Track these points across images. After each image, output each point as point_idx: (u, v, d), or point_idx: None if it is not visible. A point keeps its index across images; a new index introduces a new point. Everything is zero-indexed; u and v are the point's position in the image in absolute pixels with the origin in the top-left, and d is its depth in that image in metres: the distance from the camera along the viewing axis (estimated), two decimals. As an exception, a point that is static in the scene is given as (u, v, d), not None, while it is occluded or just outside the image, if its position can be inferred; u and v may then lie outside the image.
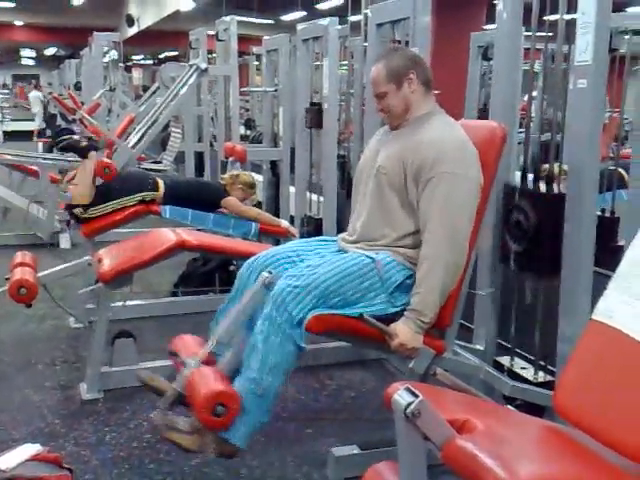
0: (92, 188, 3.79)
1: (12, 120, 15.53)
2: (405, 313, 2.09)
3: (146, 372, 2.25)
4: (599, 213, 3.33)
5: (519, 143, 2.84)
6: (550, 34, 2.48)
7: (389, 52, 2.34)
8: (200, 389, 1.96)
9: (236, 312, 2.13)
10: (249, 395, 1.99)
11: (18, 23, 22.07)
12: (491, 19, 2.51)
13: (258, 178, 5.23)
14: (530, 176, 2.46)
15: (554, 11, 2.32)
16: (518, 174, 2.53)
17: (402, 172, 2.14)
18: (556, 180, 2.34)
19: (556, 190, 2.35)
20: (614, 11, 2.16)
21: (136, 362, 2.94)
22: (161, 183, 3.94)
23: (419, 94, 2.22)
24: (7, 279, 2.75)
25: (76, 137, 5.66)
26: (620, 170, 3.67)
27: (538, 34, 2.45)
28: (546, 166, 2.43)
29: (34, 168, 5.81)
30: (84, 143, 4.31)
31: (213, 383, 1.97)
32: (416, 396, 1.37)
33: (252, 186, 4.07)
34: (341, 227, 3.59)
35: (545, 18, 2.42)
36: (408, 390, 1.40)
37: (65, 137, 5.49)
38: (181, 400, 2.07)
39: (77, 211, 3.74)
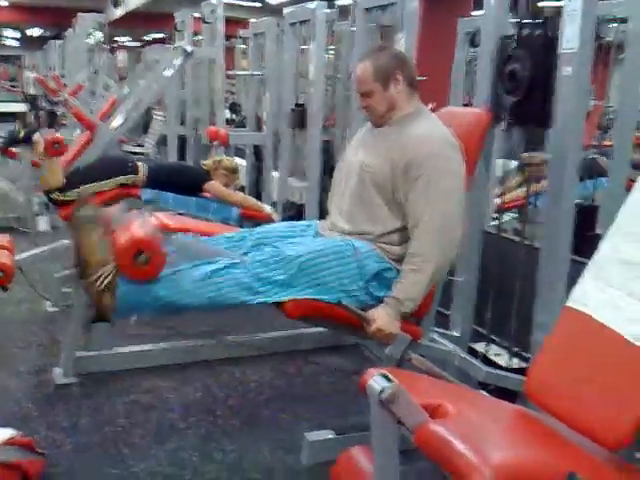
0: (57, 169, 3.74)
1: (-5, 101, 15.34)
2: (385, 299, 2.09)
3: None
4: (579, 201, 3.33)
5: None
6: (538, 21, 2.46)
7: (376, 50, 2.30)
8: (127, 233, 1.96)
9: (206, 247, 2.18)
10: (171, 282, 2.00)
11: (3, 3, 21.76)
12: (479, 5, 2.50)
13: (241, 162, 5.19)
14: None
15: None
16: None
17: (389, 170, 2.13)
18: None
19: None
20: (601, -1, 2.15)
21: (111, 347, 2.91)
22: (141, 166, 3.89)
23: (404, 94, 2.21)
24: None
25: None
26: (603, 158, 3.67)
27: (525, 21, 2.43)
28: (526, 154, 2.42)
29: (15, 150, 5.72)
30: (21, 133, 4.25)
31: (137, 231, 1.96)
32: (391, 381, 1.36)
33: (235, 171, 4.03)
34: (323, 213, 3.56)
35: (533, 4, 2.40)
36: (383, 376, 1.39)
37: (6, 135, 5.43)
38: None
39: (54, 195, 3.69)
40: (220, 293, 2.03)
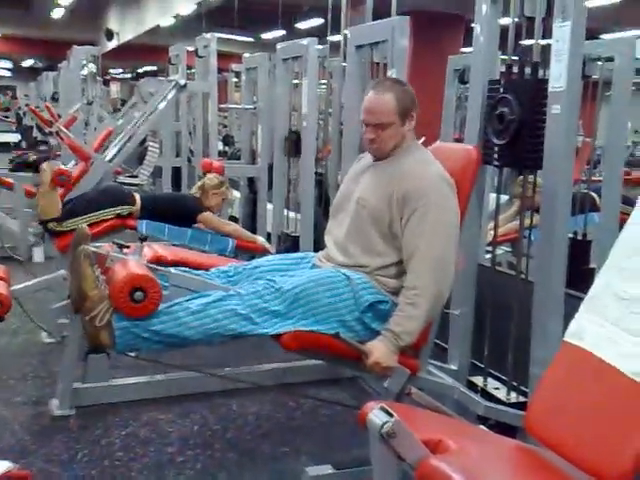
0: (56, 198, 3.77)
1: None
2: (382, 332, 2.11)
3: (88, 231, 2.25)
4: (571, 236, 3.39)
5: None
6: (526, 48, 2.53)
7: (395, 83, 2.29)
8: (122, 271, 1.97)
9: (200, 279, 2.21)
10: (167, 316, 2.01)
11: (-4, 34, 21.90)
12: (468, 42, 2.56)
13: (236, 194, 5.23)
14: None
15: (530, 36, 2.37)
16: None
17: (386, 204, 2.16)
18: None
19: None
20: (588, 38, 2.22)
21: (109, 379, 2.91)
22: (137, 197, 3.93)
23: (411, 131, 2.26)
24: (-21, 293, 2.70)
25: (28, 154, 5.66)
26: (592, 193, 3.74)
27: (514, 58, 2.50)
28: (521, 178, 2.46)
29: (9, 180, 5.74)
30: (32, 158, 4.29)
31: (135, 269, 1.98)
32: (391, 416, 1.38)
33: (221, 184, 4.04)
34: (318, 244, 3.60)
35: (521, 42, 2.47)
36: (383, 409, 1.41)
37: (15, 158, 5.47)
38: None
39: (51, 225, 3.71)
40: (217, 324, 2.04)
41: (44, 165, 3.96)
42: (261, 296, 2.08)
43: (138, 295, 1.93)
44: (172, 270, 2.26)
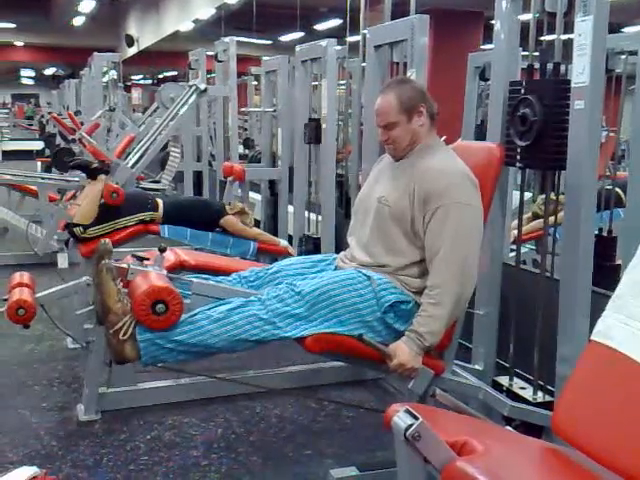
0: (96, 210, 3.80)
1: (11, 140, 15.57)
2: (406, 333, 2.09)
3: (111, 246, 2.22)
4: (596, 232, 3.34)
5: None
6: (547, 49, 2.50)
7: (398, 83, 2.32)
8: (143, 284, 1.97)
9: (222, 287, 2.19)
10: (191, 325, 2.00)
11: (18, 44, 22.23)
12: (488, 39, 2.53)
13: (256, 198, 5.24)
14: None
15: (551, 32, 2.34)
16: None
17: (408, 203, 2.15)
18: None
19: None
20: (610, 32, 2.18)
21: (134, 383, 2.93)
22: (160, 203, 3.95)
23: (425, 127, 2.24)
24: (5, 300, 2.73)
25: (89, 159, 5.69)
26: (617, 189, 3.69)
27: (535, 54, 2.47)
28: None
29: (33, 188, 5.81)
30: (95, 165, 4.34)
31: (158, 281, 1.97)
32: (416, 418, 1.36)
33: (242, 211, 4.04)
34: (339, 246, 3.59)
35: (542, 38, 2.44)
36: (408, 412, 1.39)
37: (76, 158, 5.51)
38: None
39: (77, 230, 3.75)
40: (240, 330, 2.03)
41: (102, 176, 4.02)
42: (282, 300, 2.08)
43: (160, 307, 1.93)
44: (193, 279, 2.26)
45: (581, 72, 2.14)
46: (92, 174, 4.08)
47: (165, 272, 2.14)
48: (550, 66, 2.29)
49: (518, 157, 2.34)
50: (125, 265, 2.12)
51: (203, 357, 2.13)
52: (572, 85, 2.16)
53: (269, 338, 2.07)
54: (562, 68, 2.32)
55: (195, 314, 2.05)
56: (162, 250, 2.20)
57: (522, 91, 2.32)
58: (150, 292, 1.95)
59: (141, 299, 1.94)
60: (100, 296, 2.06)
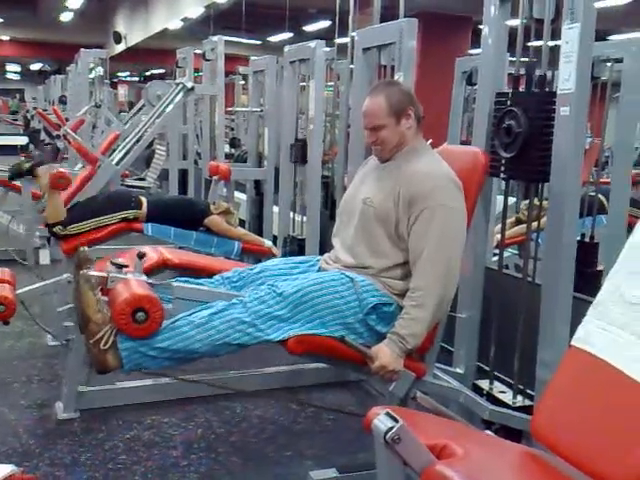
0: (59, 202, 3.76)
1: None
2: (388, 335, 2.09)
3: (88, 254, 2.21)
4: (579, 238, 3.36)
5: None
6: (534, 60, 2.51)
7: (387, 85, 2.34)
8: (123, 292, 1.95)
9: (203, 289, 2.18)
10: (172, 332, 1.98)
11: (4, 38, 22.04)
12: (476, 44, 2.55)
13: (242, 197, 5.23)
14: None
15: (538, 37, 2.36)
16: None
17: (393, 205, 2.15)
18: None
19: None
20: (596, 40, 2.20)
21: (113, 382, 2.90)
22: (144, 201, 3.93)
23: (412, 130, 2.25)
24: (-15, 295, 2.70)
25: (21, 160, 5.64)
26: (600, 196, 3.72)
27: (522, 59, 2.49)
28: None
29: (16, 183, 5.76)
30: (26, 164, 4.27)
31: (138, 289, 1.95)
32: (396, 421, 1.36)
33: (227, 211, 4.02)
34: (324, 247, 3.59)
35: (529, 44, 2.45)
36: (388, 415, 1.40)
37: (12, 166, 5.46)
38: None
39: (56, 229, 3.71)
40: (223, 335, 2.01)
41: (40, 170, 3.95)
42: (264, 301, 2.06)
43: (140, 315, 1.90)
44: (173, 283, 2.23)
45: (567, 79, 2.15)
46: (31, 173, 4.03)
47: (145, 278, 2.11)
48: (536, 78, 2.30)
49: (502, 168, 2.36)
50: (104, 274, 2.08)
51: (187, 362, 2.10)
52: (558, 92, 2.18)
53: (252, 341, 2.05)
54: (549, 75, 2.34)
55: (176, 320, 2.03)
56: (141, 256, 2.17)
57: (508, 103, 2.33)
58: (130, 300, 1.92)
59: (121, 308, 1.91)
60: (80, 306, 2.03)
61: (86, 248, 2.23)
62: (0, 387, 3.05)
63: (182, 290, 2.19)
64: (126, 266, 2.13)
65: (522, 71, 2.44)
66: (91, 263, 2.16)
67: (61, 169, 3.89)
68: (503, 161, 2.34)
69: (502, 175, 2.38)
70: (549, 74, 2.35)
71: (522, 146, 2.24)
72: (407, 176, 2.17)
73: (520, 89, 2.40)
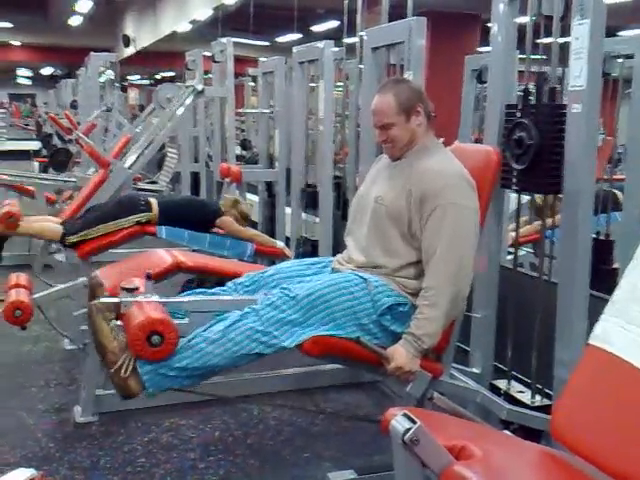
0: (51, 224, 3.85)
1: (8, 140, 15.53)
2: (403, 336, 2.09)
3: (100, 279, 2.21)
4: (594, 235, 3.35)
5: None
6: (544, 57, 2.51)
7: (396, 83, 2.32)
8: (141, 313, 1.94)
9: (216, 299, 2.17)
10: (190, 350, 1.98)
11: (15, 43, 22.18)
12: (485, 42, 2.54)
13: (254, 199, 5.24)
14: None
15: (548, 34, 2.35)
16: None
17: (405, 204, 2.15)
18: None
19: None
20: (606, 36, 2.19)
21: (131, 385, 2.92)
22: (154, 203, 3.93)
23: (423, 127, 2.24)
24: (2, 301, 2.73)
25: None
26: (614, 192, 3.69)
27: (532, 57, 2.48)
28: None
29: (30, 188, 5.80)
30: None
31: (155, 312, 1.95)
32: (414, 422, 1.36)
33: (246, 218, 4.06)
34: (337, 248, 3.59)
35: (539, 41, 2.45)
36: (406, 416, 1.39)
37: None
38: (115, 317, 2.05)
39: (68, 240, 3.72)
40: (240, 347, 2.00)
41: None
42: (277, 307, 2.05)
43: (155, 339, 1.89)
44: (186, 299, 2.22)
45: (578, 75, 2.14)
46: None
47: (157, 297, 2.11)
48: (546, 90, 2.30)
49: (514, 180, 2.36)
50: (116, 300, 2.08)
51: (209, 377, 2.10)
52: (569, 89, 2.17)
53: (268, 350, 2.03)
54: (559, 71, 2.33)
55: (192, 338, 2.02)
56: (149, 277, 2.18)
57: (518, 114, 2.33)
58: (143, 325, 1.91)
59: (135, 333, 1.91)
60: (95, 336, 2.03)
61: (97, 273, 2.23)
62: (18, 391, 3.08)
63: (195, 304, 2.17)
64: (137, 288, 2.13)
65: (532, 69, 2.43)
66: (103, 289, 2.16)
67: (9, 208, 3.87)
68: (515, 173, 2.34)
69: (514, 187, 2.38)
70: (559, 71, 2.35)
71: (533, 158, 2.24)
72: (418, 174, 2.16)
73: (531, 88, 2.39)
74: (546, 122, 2.23)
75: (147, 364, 1.95)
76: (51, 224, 3.89)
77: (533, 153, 2.23)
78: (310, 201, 4.10)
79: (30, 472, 2.15)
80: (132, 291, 2.10)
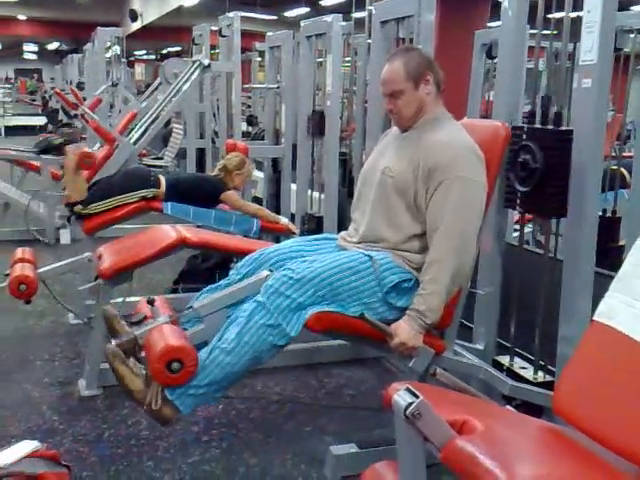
0: (82, 181, 3.78)
1: (14, 115, 15.52)
2: (407, 312, 2.08)
3: (113, 310, 2.21)
4: (600, 213, 3.32)
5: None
6: (555, 32, 2.47)
7: (405, 51, 2.30)
8: (158, 342, 1.94)
9: (224, 294, 2.14)
10: (211, 365, 1.97)
11: (21, 17, 22.06)
12: (495, 16, 2.50)
13: (259, 175, 5.22)
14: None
15: (559, 9, 2.30)
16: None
17: (411, 175, 2.12)
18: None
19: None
20: (619, 10, 2.15)
21: (135, 359, 2.93)
22: (162, 180, 3.92)
23: (432, 96, 2.21)
24: (7, 275, 2.74)
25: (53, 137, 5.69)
26: (622, 169, 3.66)
27: (543, 32, 2.44)
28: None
29: (35, 163, 5.80)
30: (57, 140, 4.29)
31: (172, 338, 1.95)
32: (416, 397, 1.36)
33: (243, 163, 3.99)
34: (342, 225, 3.58)
35: (550, 16, 2.41)
36: (408, 391, 1.39)
37: (40, 142, 5.50)
38: (135, 351, 2.05)
39: (77, 208, 3.72)
40: (257, 347, 1.99)
41: (69, 148, 3.97)
42: (281, 294, 2.01)
43: (175, 366, 1.90)
44: (195, 305, 2.19)
45: (589, 50, 2.10)
46: (60, 150, 4.04)
47: (167, 318, 2.09)
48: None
49: (518, 201, 2.36)
50: (131, 337, 2.05)
51: (238, 381, 2.11)
52: (580, 63, 2.13)
53: (284, 341, 2.02)
54: (570, 47, 2.29)
55: (210, 352, 2.00)
56: (151, 302, 2.19)
57: (523, 137, 2.31)
58: (161, 355, 1.90)
59: (155, 367, 1.91)
60: (117, 378, 2.03)
61: (108, 307, 2.24)
62: (23, 365, 3.10)
63: (206, 307, 2.15)
64: (145, 317, 2.14)
65: (543, 44, 2.39)
66: (118, 319, 2.15)
67: (87, 149, 3.91)
68: (519, 194, 2.33)
69: (518, 209, 2.39)
70: (570, 47, 2.31)
71: (538, 182, 2.23)
72: (427, 146, 2.13)
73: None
74: (551, 147, 2.22)
75: (175, 389, 1.96)
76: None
77: (538, 177, 2.22)
78: (316, 128, 4.00)
79: (34, 444, 2.17)
80: (141, 322, 2.10)
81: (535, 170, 2.22)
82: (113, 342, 2.04)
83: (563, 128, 2.25)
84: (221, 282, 2.32)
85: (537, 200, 2.26)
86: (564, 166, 2.17)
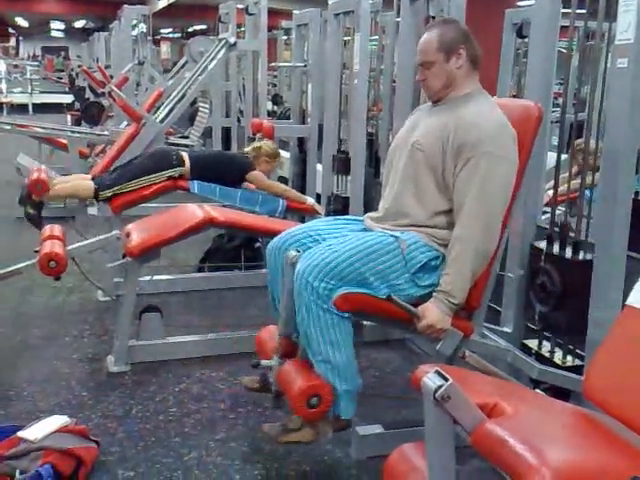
0: (84, 183, 3.84)
1: (41, 92, 15.64)
2: (434, 294, 2.06)
3: (248, 379, 2.35)
4: (633, 196, 3.26)
5: (553, 122, 2.79)
6: (590, 11, 2.41)
7: (444, 22, 2.28)
8: (291, 387, 2.05)
9: (283, 303, 2.18)
10: (330, 374, 2.04)
11: (48, -5, 22.19)
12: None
13: (285, 155, 5.21)
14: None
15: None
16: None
17: (441, 150, 2.09)
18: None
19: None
20: (657, -13, 2.09)
21: (163, 336, 2.97)
22: (186, 157, 3.92)
23: (464, 71, 2.17)
24: (37, 252, 2.77)
25: None
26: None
27: (577, 11, 2.38)
28: (580, 141, 2.40)
29: (63, 141, 5.85)
30: None
31: (300, 379, 2.04)
32: (446, 379, 1.35)
33: (276, 155, 4.03)
34: (368, 206, 3.56)
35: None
36: (438, 373, 1.38)
37: None
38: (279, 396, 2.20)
39: (100, 196, 3.72)
40: (343, 338, 2.04)
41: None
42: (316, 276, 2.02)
43: (313, 401, 2.01)
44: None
45: (626, 30, 2.05)
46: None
47: (278, 360, 2.18)
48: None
49: (537, 317, 2.41)
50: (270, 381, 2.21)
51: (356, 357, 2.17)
52: (615, 43, 2.09)
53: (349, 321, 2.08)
54: (605, 27, 2.24)
55: (321, 373, 2.05)
56: (255, 366, 2.25)
57: (542, 258, 2.38)
58: (301, 393, 2.00)
59: (297, 407, 2.02)
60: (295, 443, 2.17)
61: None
62: (52, 341, 3.15)
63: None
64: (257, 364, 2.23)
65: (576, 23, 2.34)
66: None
67: (37, 175, 3.82)
68: (537, 311, 2.39)
69: (537, 326, 2.45)
70: (605, 27, 2.26)
71: (557, 303, 2.30)
72: (457, 122, 2.09)
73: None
74: (569, 275, 2.29)
75: (334, 407, 2.06)
76: (83, 182, 3.90)
77: (555, 299, 2.29)
78: (342, 167, 4.03)
79: (64, 419, 2.22)
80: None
81: (552, 293, 2.32)
82: (265, 427, 2.19)
83: (580, 259, 2.32)
84: (268, 278, 2.32)
85: (555, 320, 2.34)
86: (581, 294, 2.21)
